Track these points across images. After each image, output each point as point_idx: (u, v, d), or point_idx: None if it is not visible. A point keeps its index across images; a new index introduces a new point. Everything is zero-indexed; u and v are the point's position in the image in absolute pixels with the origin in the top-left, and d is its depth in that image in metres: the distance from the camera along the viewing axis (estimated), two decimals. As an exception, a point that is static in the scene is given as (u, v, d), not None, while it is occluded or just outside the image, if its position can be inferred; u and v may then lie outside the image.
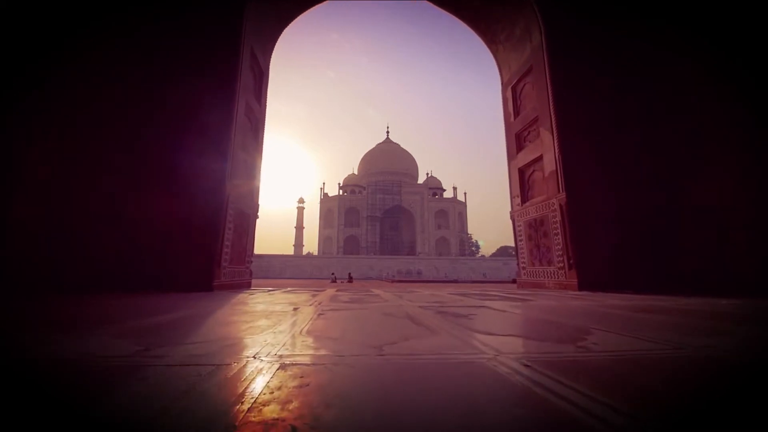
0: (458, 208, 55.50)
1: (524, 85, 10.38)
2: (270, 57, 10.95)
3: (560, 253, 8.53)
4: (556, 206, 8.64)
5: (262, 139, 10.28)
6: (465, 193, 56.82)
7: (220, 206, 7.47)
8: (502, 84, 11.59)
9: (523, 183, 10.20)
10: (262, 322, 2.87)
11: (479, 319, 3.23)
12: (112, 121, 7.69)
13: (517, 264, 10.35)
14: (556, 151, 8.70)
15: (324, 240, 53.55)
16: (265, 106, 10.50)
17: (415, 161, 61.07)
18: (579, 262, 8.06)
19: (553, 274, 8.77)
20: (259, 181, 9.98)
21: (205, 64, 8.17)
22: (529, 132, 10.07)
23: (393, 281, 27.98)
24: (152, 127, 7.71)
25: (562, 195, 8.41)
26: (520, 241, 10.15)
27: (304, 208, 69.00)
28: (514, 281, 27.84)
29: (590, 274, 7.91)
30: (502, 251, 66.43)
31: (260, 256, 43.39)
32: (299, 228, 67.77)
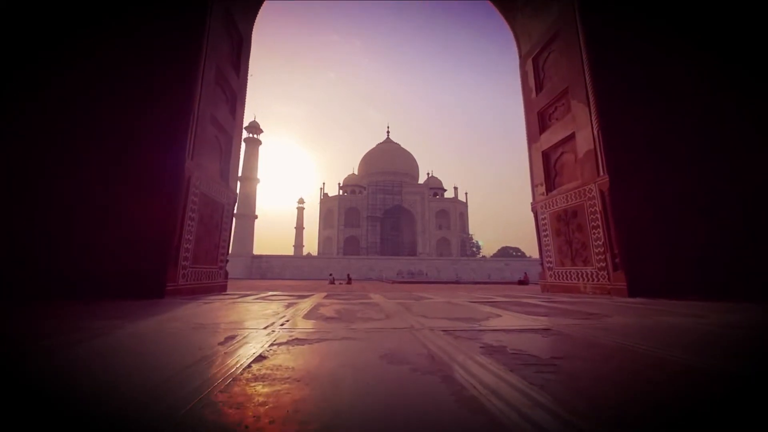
0: (459, 208, 53.70)
1: (549, 54, 8.68)
2: (252, 24, 9.28)
3: (601, 250, 6.80)
4: (595, 193, 6.91)
5: (242, 116, 8.58)
6: (466, 193, 55.00)
7: (176, 190, 5.75)
8: (520, 57, 9.89)
9: (549, 168, 8.48)
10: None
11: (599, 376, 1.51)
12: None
13: (541, 264, 8.62)
14: (594, 125, 6.98)
15: (324, 240, 51.77)
16: (246, 79, 8.81)
17: (415, 161, 59.28)
18: (627, 261, 6.32)
19: (591, 276, 7.03)
20: (237, 166, 8.27)
21: (162, 9, 6.43)
22: (555, 108, 8.36)
23: (394, 282, 26.21)
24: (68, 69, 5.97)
25: (604, 178, 6.69)
26: (545, 236, 8.41)
27: (304, 208, 67.32)
28: (520, 282, 26.00)
29: (643, 277, 6.17)
30: (503, 252, 64.57)
31: (260, 257, 41.78)
32: (299, 228, 66.03)
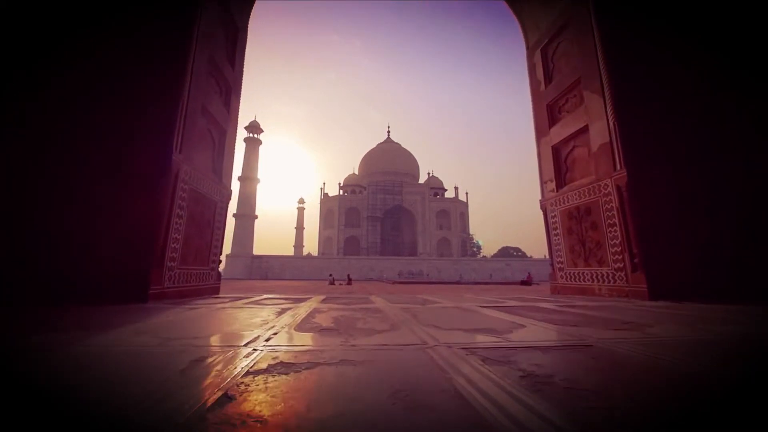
0: (460, 208, 53.14)
1: (559, 44, 8.20)
2: (248, 15, 8.81)
3: (618, 249, 6.32)
4: (611, 189, 6.43)
5: (237, 110, 8.10)
6: (467, 193, 54.43)
7: (162, 185, 5.27)
8: (527, 49, 9.41)
9: (559, 164, 8.00)
10: None
11: None
12: None
13: (551, 264, 8.13)
14: (610, 117, 6.50)
15: (324, 240, 51.24)
16: (241, 72, 8.33)
17: (416, 161, 58.70)
18: (647, 262, 5.84)
19: (607, 277, 6.55)
20: (231, 162, 7.79)
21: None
22: (566, 100, 7.88)
23: (394, 283, 25.73)
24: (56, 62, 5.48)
25: (621, 173, 6.21)
26: (556, 236, 7.93)
27: (304, 208, 66.86)
28: (522, 283, 25.48)
29: (665, 279, 5.69)
30: (504, 252, 64.05)
31: (260, 257, 41.29)
32: (299, 228, 65.55)
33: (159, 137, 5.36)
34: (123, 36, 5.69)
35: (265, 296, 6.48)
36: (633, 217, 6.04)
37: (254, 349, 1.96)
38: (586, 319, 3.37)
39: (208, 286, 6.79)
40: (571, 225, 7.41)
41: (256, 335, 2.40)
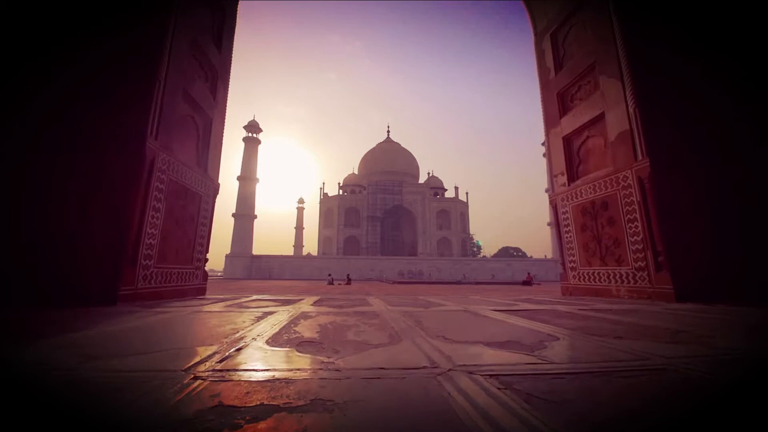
0: (460, 208, 52.48)
1: (570, 28, 7.61)
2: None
3: (639, 247, 5.73)
4: (632, 181, 5.84)
5: (225, 98, 7.51)
6: (467, 193, 53.74)
7: (135, 174, 4.67)
8: (534, 35, 8.82)
9: (571, 156, 7.41)
10: None
11: None
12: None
13: (562, 263, 7.53)
14: (630, 102, 5.91)
15: (324, 240, 50.59)
16: (229, 58, 7.75)
17: (416, 161, 57.99)
18: (673, 260, 5.25)
19: (627, 277, 5.95)
20: (218, 153, 7.20)
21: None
22: (579, 87, 7.29)
23: (394, 283, 25.13)
24: None
25: (643, 163, 5.62)
26: (568, 232, 7.33)
27: (303, 208, 66.29)
28: (524, 283, 24.81)
29: (691, 279, 5.10)
30: (504, 252, 63.42)
31: (259, 257, 40.70)
32: (299, 228, 64.96)
33: (131, 120, 4.77)
34: (92, 8, 5.10)
35: (254, 297, 5.89)
36: (657, 212, 5.44)
37: (195, 377, 1.37)
38: (625, 327, 2.77)
39: (193, 287, 6.19)
40: (585, 221, 6.82)
41: (212, 352, 1.80)
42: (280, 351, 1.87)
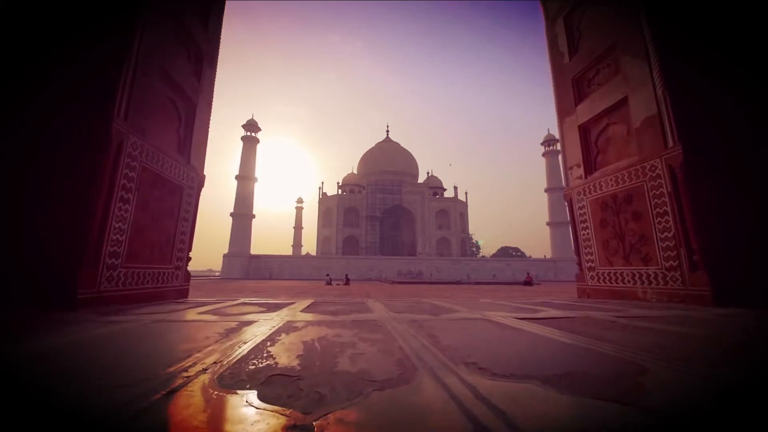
0: (459, 207, 51.81)
1: (586, 8, 6.96)
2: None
3: (671, 245, 5.06)
4: (661, 170, 5.19)
5: (212, 83, 6.82)
6: (466, 193, 53.04)
7: (99, 157, 3.98)
8: (546, 20, 8.16)
9: (589, 146, 6.75)
10: None
11: None
12: None
13: (578, 263, 6.87)
14: (657, 83, 5.25)
15: (323, 240, 49.82)
16: (218, 38, 7.06)
17: (415, 160, 57.24)
18: (711, 259, 4.59)
19: (656, 277, 5.29)
20: (204, 142, 6.51)
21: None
22: (597, 71, 6.63)
23: (394, 283, 24.45)
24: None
25: (675, 150, 4.96)
26: (585, 229, 6.67)
27: (302, 208, 65.52)
28: (525, 283, 24.11)
29: (733, 280, 4.45)
30: (503, 252, 62.77)
31: (257, 257, 39.95)
32: (298, 228, 64.19)
33: (95, 98, 4.08)
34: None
35: (240, 301, 5.21)
36: (691, 204, 4.78)
37: None
38: (703, 344, 2.10)
39: (173, 289, 5.50)
40: (606, 216, 6.16)
41: (126, 400, 1.12)
42: (231, 399, 1.18)
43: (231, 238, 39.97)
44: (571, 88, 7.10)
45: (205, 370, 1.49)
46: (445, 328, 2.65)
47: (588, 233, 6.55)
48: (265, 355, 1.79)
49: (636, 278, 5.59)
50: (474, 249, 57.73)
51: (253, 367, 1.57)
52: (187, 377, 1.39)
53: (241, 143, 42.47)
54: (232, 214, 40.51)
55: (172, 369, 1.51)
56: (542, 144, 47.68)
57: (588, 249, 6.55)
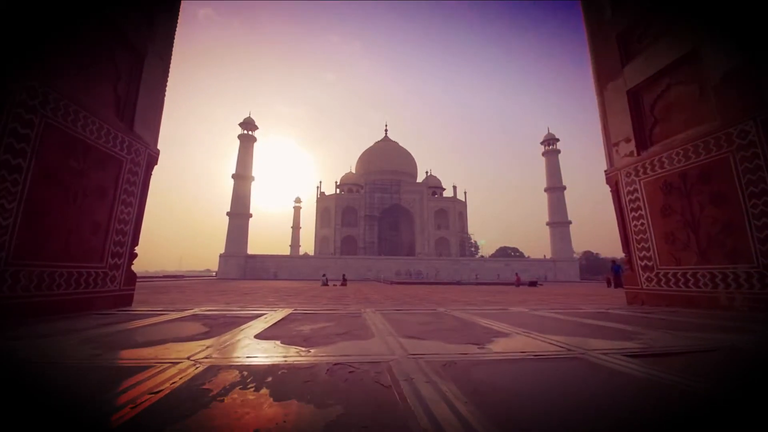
0: (458, 207, 50.34)
1: (634, -53, 5.55)
2: None
3: (776, 234, 3.64)
4: (756, 136, 3.79)
5: (171, 32, 5.35)
6: (465, 193, 51.67)
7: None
8: (577, -28, 6.75)
9: (642, 115, 5.34)
10: None
11: None
12: None
13: (627, 261, 5.44)
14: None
15: (321, 240, 48.22)
16: (183, -16, 5.59)
17: (414, 160, 55.68)
18: None
19: (748, 279, 3.87)
20: (158, 106, 5.04)
21: None
22: (650, 23, 5.22)
23: (392, 284, 23.00)
24: None
25: (786, 106, 3.54)
26: (637, 219, 5.24)
27: (300, 207, 63.89)
28: (531, 284, 22.49)
29: None
30: (502, 252, 61.38)
31: (254, 257, 38.43)
32: (296, 228, 62.58)
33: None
34: None
35: (192, 312, 3.76)
36: (811, 179, 3.37)
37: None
38: None
39: (104, 295, 4.02)
40: (670, 201, 4.74)
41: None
42: None
43: (227, 238, 38.41)
44: (615, 46, 5.68)
45: None
46: (523, 394, 1.22)
47: (643, 224, 5.13)
48: None
49: (717, 280, 4.17)
50: (473, 249, 56.32)
51: None
52: None
53: (237, 141, 40.95)
54: (228, 214, 38.95)
55: None
56: (542, 143, 46.37)
57: (643, 244, 5.11)
